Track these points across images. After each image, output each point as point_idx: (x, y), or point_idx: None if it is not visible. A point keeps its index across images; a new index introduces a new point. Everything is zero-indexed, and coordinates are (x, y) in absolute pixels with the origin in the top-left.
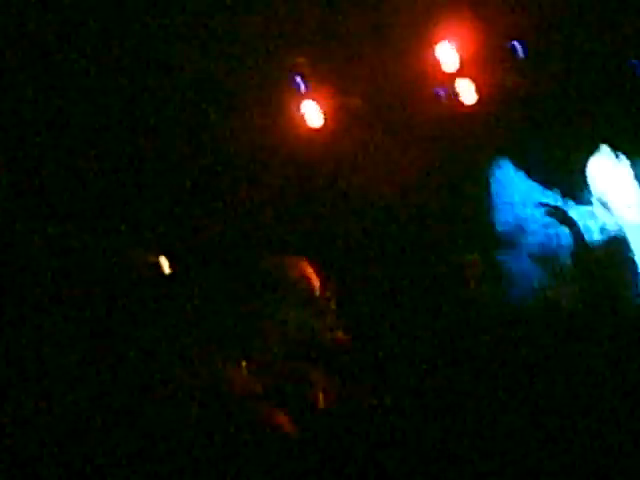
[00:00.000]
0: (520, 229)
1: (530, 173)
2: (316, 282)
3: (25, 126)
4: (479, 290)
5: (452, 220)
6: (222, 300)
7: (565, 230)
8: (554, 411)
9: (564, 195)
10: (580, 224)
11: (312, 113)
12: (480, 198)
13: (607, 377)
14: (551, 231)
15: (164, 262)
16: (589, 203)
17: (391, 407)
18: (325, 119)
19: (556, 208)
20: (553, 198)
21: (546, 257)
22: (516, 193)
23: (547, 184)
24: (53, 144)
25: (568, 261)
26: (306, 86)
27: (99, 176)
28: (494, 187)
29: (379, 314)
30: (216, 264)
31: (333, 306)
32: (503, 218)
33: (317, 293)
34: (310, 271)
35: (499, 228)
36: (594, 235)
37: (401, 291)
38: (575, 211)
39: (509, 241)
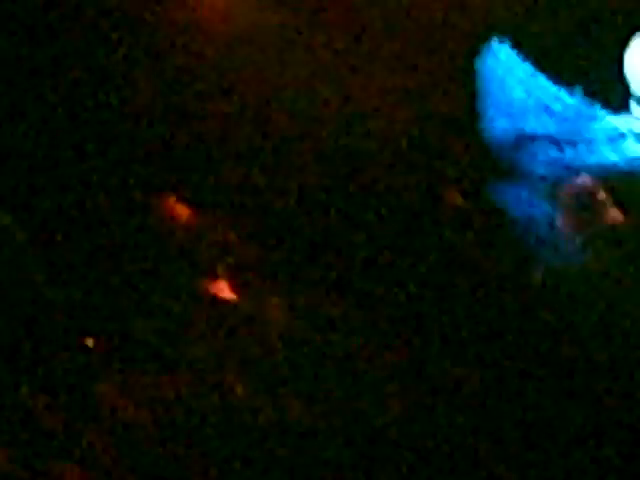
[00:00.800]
0: (523, 149)
1: (539, 62)
2: None
3: None
4: (460, 237)
5: (420, 137)
6: None
7: (588, 149)
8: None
9: (589, 95)
10: (611, 141)
11: None
12: (464, 103)
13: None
14: (568, 152)
15: None
16: (626, 109)
17: None
18: None
19: (578, 116)
20: (572, 101)
21: (561, 190)
22: (518, 94)
23: (564, 79)
24: None
25: (596, 197)
26: None
27: None
28: (485, 85)
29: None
30: None
31: None
32: (498, 133)
33: None
34: None
35: (492, 148)
36: (634, 159)
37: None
38: (604, 121)
39: (506, 167)
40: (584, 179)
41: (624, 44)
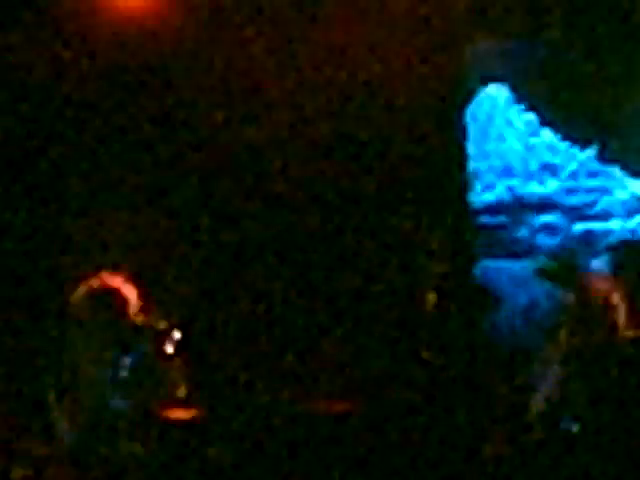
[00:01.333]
0: (515, 220)
1: (543, 113)
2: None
3: None
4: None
5: (394, 199)
6: None
7: (602, 219)
8: None
9: (604, 157)
10: (631, 211)
11: None
12: (448, 160)
13: None
14: (575, 225)
15: None
16: None
17: None
18: None
19: (590, 180)
20: (582, 161)
21: (563, 265)
22: (514, 151)
23: (574, 134)
24: None
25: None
26: None
27: None
28: (474, 140)
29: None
30: None
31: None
32: (494, 199)
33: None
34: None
35: (477, 218)
36: None
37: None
38: (623, 187)
39: (495, 241)
40: (597, 279)
41: None
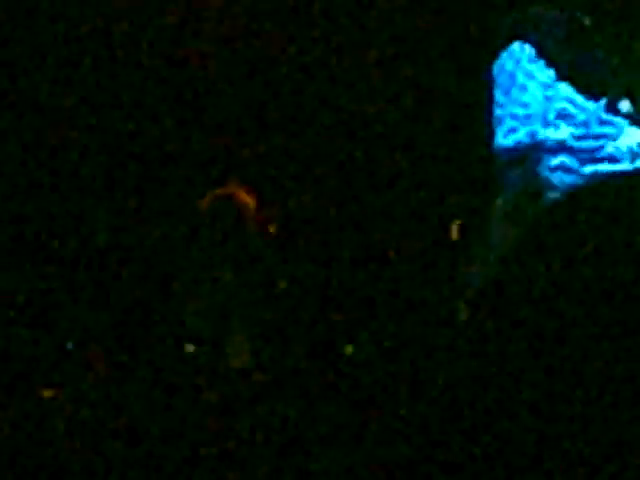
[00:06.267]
0: (537, 160)
1: (560, 66)
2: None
3: None
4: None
5: (419, 148)
6: None
7: (613, 165)
8: None
9: (615, 107)
10: (635, 155)
11: None
12: (471, 107)
13: None
14: (586, 167)
15: None
16: None
17: None
18: None
19: (600, 126)
20: (595, 111)
21: (578, 206)
22: (534, 99)
23: (587, 86)
24: None
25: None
26: None
27: None
28: (497, 88)
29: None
30: None
31: None
32: (510, 141)
33: None
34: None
35: (502, 159)
36: None
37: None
38: (629, 133)
39: (515, 178)
40: None
41: None
